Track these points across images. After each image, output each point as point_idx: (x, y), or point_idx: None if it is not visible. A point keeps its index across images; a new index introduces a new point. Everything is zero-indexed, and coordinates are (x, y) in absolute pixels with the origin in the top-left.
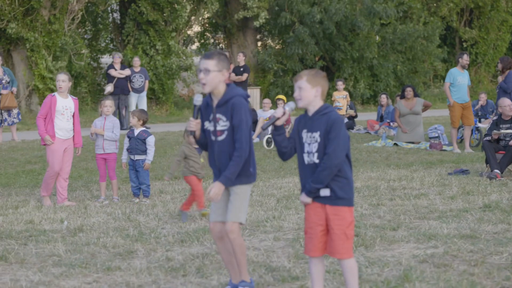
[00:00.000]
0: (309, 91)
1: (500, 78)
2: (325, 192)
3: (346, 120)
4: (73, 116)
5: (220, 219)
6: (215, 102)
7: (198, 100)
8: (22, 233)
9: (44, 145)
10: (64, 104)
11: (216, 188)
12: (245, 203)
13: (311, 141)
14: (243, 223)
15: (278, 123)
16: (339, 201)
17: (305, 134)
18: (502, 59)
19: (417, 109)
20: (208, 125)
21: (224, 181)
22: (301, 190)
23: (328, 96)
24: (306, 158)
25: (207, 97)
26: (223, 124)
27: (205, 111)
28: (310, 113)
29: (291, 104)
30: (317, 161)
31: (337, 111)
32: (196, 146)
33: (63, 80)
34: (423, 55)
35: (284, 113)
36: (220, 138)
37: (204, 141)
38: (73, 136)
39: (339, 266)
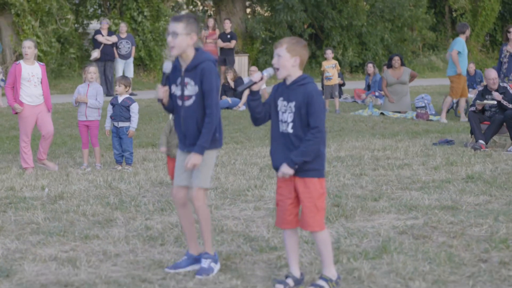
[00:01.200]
0: (288, 60)
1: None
2: None
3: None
4: (42, 81)
5: (184, 184)
6: (183, 66)
7: (167, 67)
8: (2, 200)
9: (16, 113)
10: (30, 71)
11: (194, 159)
12: (211, 169)
13: (285, 109)
14: (208, 188)
15: (255, 88)
16: (309, 173)
17: (280, 102)
18: None
19: (404, 78)
20: (175, 90)
21: (199, 151)
22: (272, 160)
23: (318, 65)
24: (281, 127)
25: (175, 61)
26: (191, 89)
27: (172, 75)
28: (288, 82)
29: (269, 70)
30: (291, 131)
31: (323, 81)
32: None
33: (28, 46)
34: (411, 21)
35: (261, 78)
36: (187, 103)
37: (172, 107)
38: (44, 101)
39: None
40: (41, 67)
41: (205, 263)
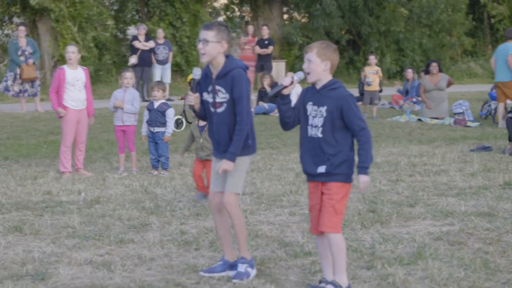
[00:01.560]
0: (319, 64)
1: None
2: (321, 169)
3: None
4: (85, 86)
5: (220, 190)
6: (214, 73)
7: (197, 74)
8: (39, 204)
9: (60, 117)
10: (74, 76)
11: (224, 165)
12: (243, 175)
13: (316, 114)
14: (240, 193)
15: (285, 92)
16: (335, 177)
17: (310, 107)
18: None
19: (442, 84)
20: (207, 97)
21: (230, 158)
22: (302, 165)
23: (355, 71)
24: (310, 131)
25: (206, 68)
26: (222, 96)
27: (204, 82)
28: (318, 86)
29: (299, 74)
30: (320, 135)
31: (362, 86)
32: (202, 124)
33: (72, 51)
34: (449, 26)
35: (292, 82)
36: (219, 110)
37: (203, 113)
38: (87, 106)
39: (351, 241)
40: (84, 71)
41: (241, 267)
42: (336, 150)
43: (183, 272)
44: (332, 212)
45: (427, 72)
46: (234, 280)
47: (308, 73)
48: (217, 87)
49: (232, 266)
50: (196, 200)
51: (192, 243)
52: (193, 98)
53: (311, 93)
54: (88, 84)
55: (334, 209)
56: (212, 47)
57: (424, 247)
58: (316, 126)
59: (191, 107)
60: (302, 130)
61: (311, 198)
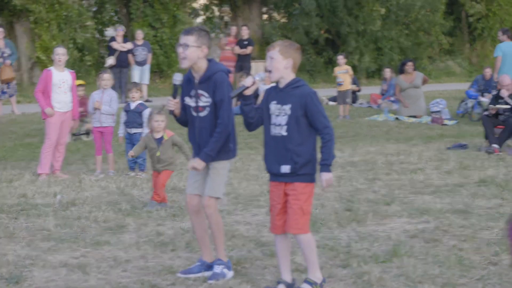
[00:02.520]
0: (281, 62)
1: None
2: (285, 168)
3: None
4: (71, 89)
5: (197, 192)
6: (196, 78)
7: (177, 79)
8: (14, 207)
9: (45, 118)
10: (61, 78)
11: (195, 164)
12: (224, 179)
13: (279, 113)
14: (221, 197)
15: (247, 92)
16: (300, 177)
17: (273, 106)
18: None
19: (417, 82)
20: (189, 101)
21: (204, 158)
22: (266, 165)
23: (327, 71)
24: (273, 130)
25: (188, 73)
26: (205, 100)
27: (186, 86)
28: (281, 85)
29: (261, 74)
30: (285, 134)
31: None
32: (156, 137)
33: (62, 53)
34: (428, 26)
35: (253, 83)
36: (202, 114)
37: (184, 119)
38: (72, 108)
39: (327, 240)
40: (71, 74)
41: (217, 268)
42: (300, 149)
43: (159, 274)
44: (300, 213)
45: (402, 71)
46: (210, 281)
47: (270, 71)
48: (200, 91)
49: (210, 266)
50: (149, 209)
51: (169, 244)
52: (173, 104)
53: (274, 92)
54: (74, 86)
55: (301, 210)
56: (192, 52)
57: (400, 245)
58: (279, 125)
59: (171, 112)
60: (266, 130)
61: (272, 197)
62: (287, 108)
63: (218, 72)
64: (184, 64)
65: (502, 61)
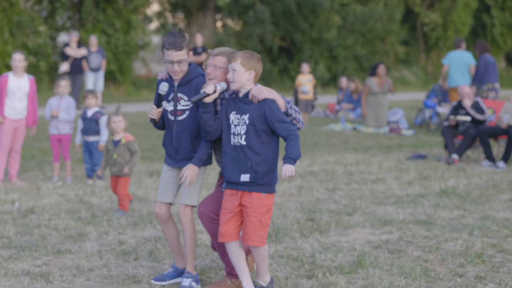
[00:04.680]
0: (243, 74)
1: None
2: (245, 177)
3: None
4: (28, 96)
5: (169, 201)
6: (176, 81)
7: (163, 90)
8: None
9: None
10: (17, 85)
11: (190, 170)
12: (200, 187)
13: (238, 122)
14: (196, 206)
15: (207, 100)
16: (259, 187)
17: (233, 116)
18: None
19: (385, 88)
20: (167, 105)
21: (197, 163)
22: (224, 174)
23: (289, 79)
24: (233, 139)
25: (168, 77)
26: (184, 103)
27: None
28: (240, 94)
29: (222, 84)
30: (244, 143)
31: (296, 95)
32: (115, 139)
33: (19, 60)
34: (383, 35)
35: (215, 91)
36: (180, 117)
37: (162, 124)
38: (27, 116)
39: (291, 250)
40: (30, 81)
41: (186, 282)
42: (260, 158)
43: (123, 283)
44: (259, 226)
45: (373, 74)
46: None
47: (232, 81)
48: (179, 95)
49: (182, 273)
50: (119, 216)
51: (131, 253)
52: (156, 113)
53: (233, 103)
54: (32, 93)
55: (260, 223)
56: (186, 64)
57: (364, 255)
58: (239, 134)
59: (152, 120)
60: (225, 140)
61: (225, 206)
62: (246, 117)
63: (199, 76)
64: (180, 76)
65: (449, 69)
